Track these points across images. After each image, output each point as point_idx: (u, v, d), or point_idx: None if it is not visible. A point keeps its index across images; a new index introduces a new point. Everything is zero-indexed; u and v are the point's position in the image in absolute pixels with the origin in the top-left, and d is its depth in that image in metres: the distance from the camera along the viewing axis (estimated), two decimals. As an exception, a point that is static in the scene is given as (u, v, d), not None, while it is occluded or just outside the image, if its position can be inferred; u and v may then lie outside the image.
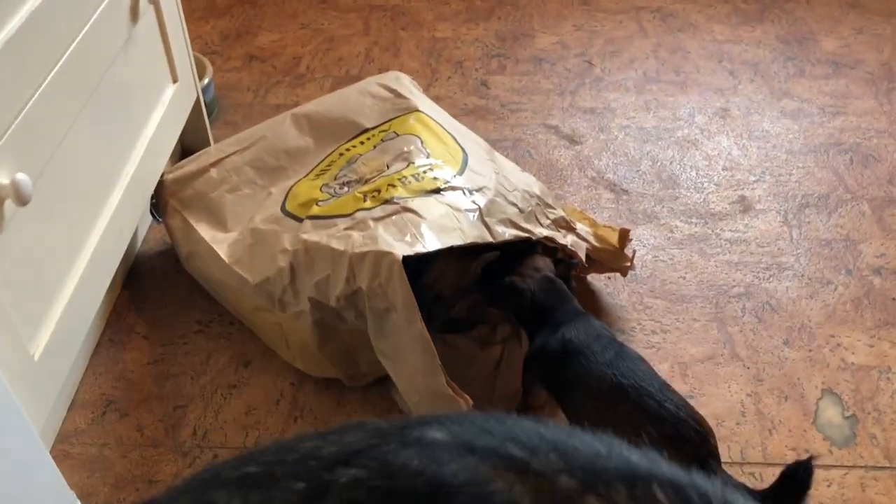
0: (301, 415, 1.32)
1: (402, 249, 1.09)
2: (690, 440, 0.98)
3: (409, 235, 1.12)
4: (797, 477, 0.89)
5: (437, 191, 1.23)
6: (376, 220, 1.17)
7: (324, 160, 1.43)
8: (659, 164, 1.78)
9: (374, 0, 2.32)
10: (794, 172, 1.75)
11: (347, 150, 1.42)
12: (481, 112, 1.93)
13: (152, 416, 1.33)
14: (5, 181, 1.01)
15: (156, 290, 1.54)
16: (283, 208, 1.33)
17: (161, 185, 1.50)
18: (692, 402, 1.28)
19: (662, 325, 1.44)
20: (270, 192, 1.42)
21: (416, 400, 1.14)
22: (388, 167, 1.30)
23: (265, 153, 1.47)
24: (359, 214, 1.20)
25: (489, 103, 1.96)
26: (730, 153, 1.81)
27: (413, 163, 1.29)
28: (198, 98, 1.74)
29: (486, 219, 1.21)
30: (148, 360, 1.41)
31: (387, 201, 1.20)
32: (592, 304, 1.47)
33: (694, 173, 1.75)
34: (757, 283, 1.51)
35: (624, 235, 1.39)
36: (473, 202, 1.23)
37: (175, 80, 1.61)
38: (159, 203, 1.51)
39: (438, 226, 1.15)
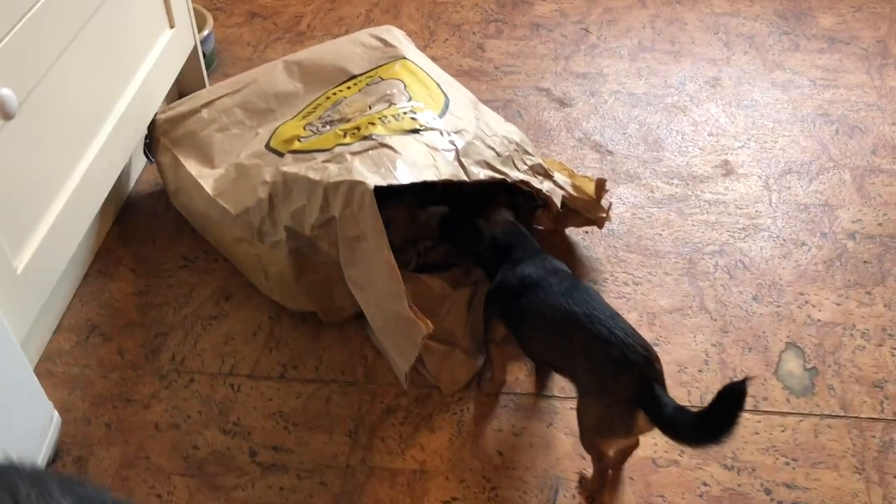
0: (276, 346, 1.37)
1: (374, 180, 1.13)
2: (636, 363, 1.02)
3: (383, 168, 1.17)
4: (732, 395, 0.92)
5: (416, 131, 1.27)
6: (353, 153, 1.21)
7: (311, 103, 1.47)
8: (646, 127, 1.81)
9: (378, -36, 2.36)
10: (780, 140, 1.78)
11: (334, 94, 1.46)
12: (475, 73, 1.96)
13: (133, 342, 1.38)
14: (-8, 95, 1.06)
15: (145, 228, 1.59)
16: (267, 145, 1.38)
17: (153, 124, 1.55)
18: (657, 349, 1.31)
19: (634, 277, 1.48)
20: (258, 132, 1.46)
21: (380, 324, 1.18)
22: (370, 108, 1.34)
23: (255, 96, 1.52)
24: (337, 149, 1.24)
25: (483, 65, 1.99)
26: (717, 120, 1.83)
27: (394, 104, 1.33)
28: (195, 47, 1.79)
29: (463, 159, 1.25)
30: (133, 290, 1.47)
31: (365, 137, 1.24)
32: (568, 256, 1.51)
33: (679, 138, 1.79)
34: (732, 243, 1.54)
35: (600, 185, 1.42)
36: (451, 143, 1.27)
37: (172, 26, 1.66)
38: (152, 142, 1.56)
39: (413, 161, 1.19)
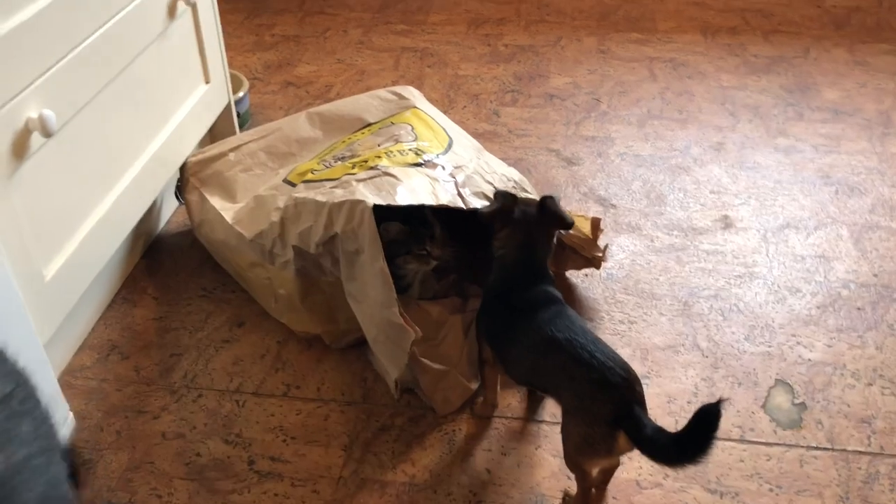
0: (282, 368, 1.44)
1: (374, 199, 1.23)
2: (617, 385, 1.06)
3: (384, 192, 1.27)
4: (707, 416, 0.96)
5: (419, 164, 1.37)
6: (359, 181, 1.32)
7: (328, 147, 1.59)
8: (649, 185, 1.89)
9: (407, 42, 2.54)
10: (780, 198, 1.85)
11: (349, 138, 1.58)
12: (489, 136, 2.08)
13: (150, 361, 1.47)
14: (34, 115, 1.20)
15: (171, 261, 1.70)
16: (284, 179, 1.49)
17: (185, 166, 1.68)
18: (647, 384, 1.37)
19: (630, 316, 1.53)
20: (278, 172, 1.58)
21: (374, 334, 1.25)
22: (378, 146, 1.45)
23: (279, 141, 1.64)
24: (345, 177, 1.35)
25: (498, 129, 2.11)
26: (719, 180, 1.91)
27: (401, 142, 1.44)
28: (229, 104, 1.94)
29: (461, 190, 1.34)
30: (154, 316, 1.56)
31: (371, 168, 1.35)
32: (567, 296, 1.57)
33: (682, 194, 1.86)
34: (727, 288, 1.60)
35: (595, 224, 1.50)
36: (451, 175, 1.37)
37: (207, 81, 1.81)
38: (183, 183, 1.69)
39: (413, 188, 1.29)
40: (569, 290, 1.59)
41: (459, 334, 1.39)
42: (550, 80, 2.34)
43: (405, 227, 1.33)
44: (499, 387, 1.34)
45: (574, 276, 1.62)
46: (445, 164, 1.40)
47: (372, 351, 1.33)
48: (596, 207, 1.82)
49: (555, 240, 1.32)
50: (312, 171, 1.44)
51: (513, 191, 1.44)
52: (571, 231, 1.49)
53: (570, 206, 1.83)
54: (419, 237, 1.35)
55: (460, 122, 2.12)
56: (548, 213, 1.27)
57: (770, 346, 1.46)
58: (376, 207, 1.23)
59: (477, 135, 2.07)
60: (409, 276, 1.40)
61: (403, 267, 1.32)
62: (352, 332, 1.40)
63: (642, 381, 1.07)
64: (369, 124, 1.60)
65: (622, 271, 1.64)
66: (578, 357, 1.08)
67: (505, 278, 1.28)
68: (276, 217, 1.37)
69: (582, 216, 1.54)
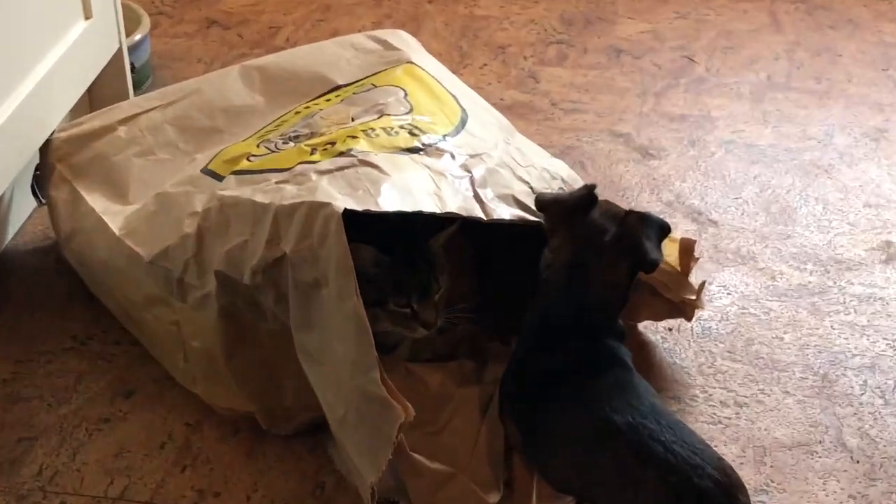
0: (193, 464, 1.43)
1: (345, 202, 1.22)
2: (707, 495, 1.06)
3: (360, 190, 1.26)
4: None
5: (415, 150, 1.37)
6: (321, 172, 1.31)
7: (273, 121, 1.59)
8: (769, 192, 1.90)
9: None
10: (973, 218, 1.85)
11: (307, 107, 1.58)
12: (522, 109, 2.09)
13: (-15, 447, 1.45)
14: None
15: (23, 293, 1.69)
16: (204, 168, 1.48)
17: (48, 146, 1.67)
18: (766, 499, 1.35)
19: (738, 396, 1.52)
20: (195, 157, 1.56)
21: (340, 413, 1.24)
22: (352, 120, 1.45)
23: (196, 110, 1.63)
24: (300, 167, 1.34)
25: (535, 100, 2.12)
26: (878, 186, 1.92)
27: (388, 115, 1.44)
28: (119, 51, 1.94)
29: (480, 190, 1.34)
30: (-7, 377, 1.55)
31: (342, 154, 1.34)
32: (638, 360, 1.56)
33: (820, 207, 1.87)
34: (891, 356, 1.59)
35: (687, 249, 1.48)
36: (465, 168, 1.37)
37: (87, 17, 1.81)
38: (45, 173, 1.68)
39: (406, 186, 1.29)
40: (642, 350, 1.58)
41: (473, 417, 1.38)
42: (617, 28, 2.34)
43: (384, 256, 1.32)
44: (535, 495, 1.32)
45: (651, 329, 1.61)
46: (456, 150, 1.40)
47: (335, 441, 1.31)
48: (686, 224, 1.82)
49: (633, 280, 1.34)
50: (249, 156, 1.43)
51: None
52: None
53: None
54: (402, 279, 1.34)
55: (479, 89, 2.11)
56: (627, 237, 1.27)
57: (957, 447, 1.45)
58: (349, 217, 1.22)
59: (504, 108, 2.06)
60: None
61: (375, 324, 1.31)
62: (303, 411, 1.38)
63: (756, 498, 1.06)
64: (338, 87, 1.60)
65: (726, 325, 1.63)
66: (648, 451, 1.10)
67: (546, 321, 1.29)
68: (190, 227, 1.37)
69: (667, 239, 1.54)
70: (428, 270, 1.36)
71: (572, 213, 1.30)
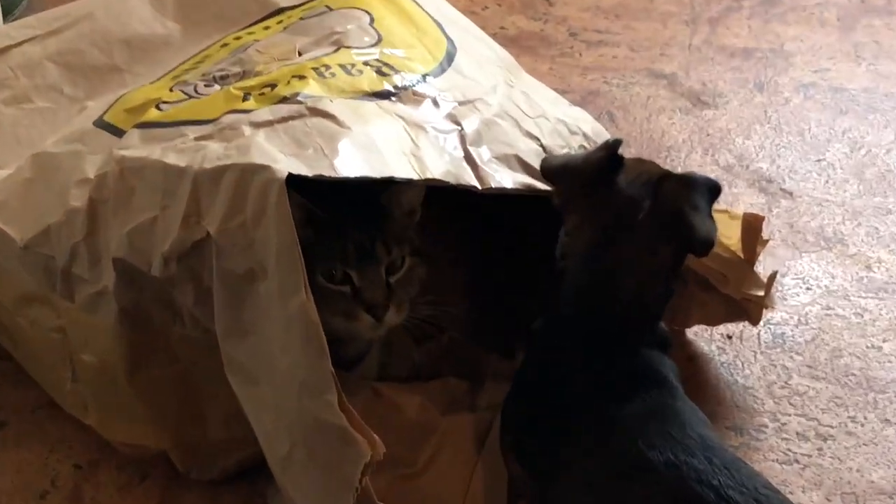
0: (84, 519, 1.42)
1: (289, 164, 1.20)
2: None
3: (310, 149, 1.23)
4: None
5: (385, 94, 1.35)
6: (257, 125, 1.27)
7: (192, 57, 1.56)
8: (863, 151, 1.87)
9: None
10: None
11: (237, 38, 1.55)
12: (531, 41, 2.06)
13: None
14: None
15: None
16: (98, 119, 1.45)
17: None
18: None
19: (821, 425, 1.50)
20: (86, 105, 1.54)
21: (284, 450, 1.20)
22: (299, 54, 1.43)
23: (87, 43, 1.60)
24: (228, 118, 1.31)
25: (549, 29, 2.10)
26: None
27: (347, 47, 1.42)
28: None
29: (472, 149, 1.32)
30: None
31: (285, 99, 1.31)
32: (692, 378, 1.54)
33: (932, 172, 1.84)
34: None
35: (754, 227, 1.46)
36: (452, 119, 1.35)
37: None
38: None
39: (371, 144, 1.26)
40: (692, 364, 1.57)
41: (464, 454, 1.37)
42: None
43: (319, 211, 1.27)
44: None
45: (705, 336, 1.60)
46: (440, 95, 1.37)
47: (278, 487, 1.30)
48: (752, 196, 1.79)
49: (680, 267, 1.30)
50: (159, 103, 1.39)
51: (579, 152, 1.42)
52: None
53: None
54: (335, 242, 1.31)
55: (472, 14, 2.09)
56: (666, 209, 1.25)
57: None
58: (294, 183, 1.21)
59: (507, 40, 2.04)
60: (359, 340, 1.39)
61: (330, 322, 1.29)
62: (234, 448, 1.38)
63: (776, 489, 1.09)
64: (280, 10, 1.58)
65: (805, 331, 1.61)
66: (694, 499, 1.09)
67: (562, 327, 1.29)
68: (78, 200, 1.34)
69: (725, 212, 1.52)
70: (373, 232, 1.33)
71: (591, 181, 1.26)
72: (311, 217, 1.27)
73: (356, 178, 1.24)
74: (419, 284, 1.38)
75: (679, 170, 1.81)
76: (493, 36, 1.99)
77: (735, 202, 1.77)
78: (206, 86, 1.43)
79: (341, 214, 1.31)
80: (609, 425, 1.18)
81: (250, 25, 1.59)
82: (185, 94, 1.43)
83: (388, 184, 1.30)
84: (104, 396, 1.40)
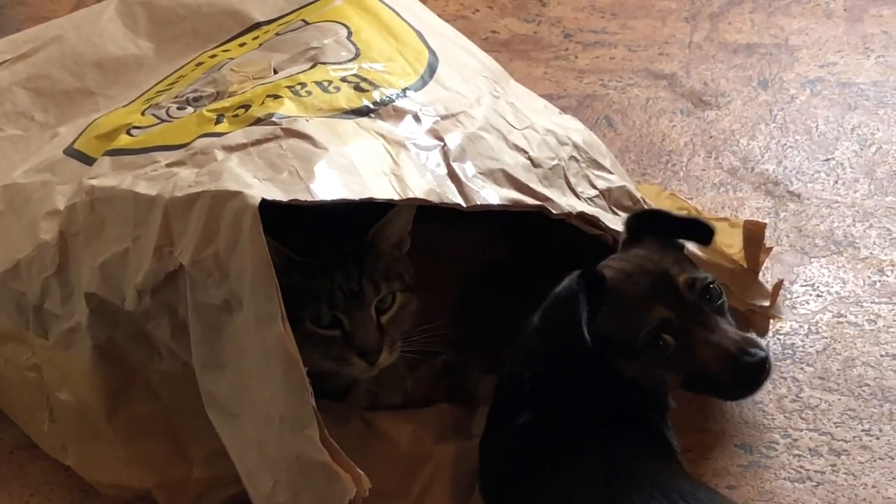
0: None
1: (264, 190, 1.20)
2: None
3: (285, 172, 1.23)
4: None
5: (364, 111, 1.35)
6: (230, 148, 1.28)
7: (167, 77, 1.57)
8: (874, 149, 1.86)
9: None
10: None
11: (213, 56, 1.55)
12: (523, 45, 2.05)
13: None
14: None
15: None
16: (69, 147, 1.46)
17: None
18: None
19: (834, 440, 1.49)
20: (57, 132, 1.54)
21: (267, 487, 1.21)
22: (274, 72, 1.43)
23: (58, 66, 1.60)
24: (200, 142, 1.32)
25: (542, 30, 2.09)
26: None
27: (324, 63, 1.42)
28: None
29: (456, 165, 1.32)
30: None
31: (259, 121, 1.32)
32: (698, 398, 1.53)
33: (948, 169, 1.83)
34: None
35: (755, 235, 1.46)
36: (434, 134, 1.35)
37: None
38: None
39: (350, 165, 1.26)
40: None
41: (460, 482, 1.38)
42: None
43: (298, 256, 1.28)
44: None
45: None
46: (422, 109, 1.38)
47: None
48: (758, 199, 1.78)
49: None
50: (130, 128, 1.40)
51: (570, 165, 1.42)
52: (701, 253, 1.46)
53: (701, 192, 1.80)
54: (322, 285, 1.31)
55: (461, 19, 2.09)
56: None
57: None
58: (269, 210, 1.20)
59: (498, 45, 2.04)
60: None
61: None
62: (219, 486, 1.38)
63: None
64: (256, 25, 1.59)
65: (816, 340, 1.60)
66: None
67: (541, 356, 1.29)
68: (48, 233, 1.35)
69: (725, 220, 1.52)
70: (360, 271, 1.34)
71: None
72: (292, 261, 1.29)
73: (334, 201, 1.23)
74: (412, 319, 1.38)
75: (681, 175, 1.81)
76: (485, 40, 2.00)
77: (740, 207, 1.76)
78: (178, 108, 1.43)
79: (325, 255, 1.33)
80: (594, 484, 1.19)
81: (226, 42, 1.59)
82: (157, 117, 1.43)
83: (374, 219, 1.32)
84: (83, 436, 1.41)
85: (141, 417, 1.37)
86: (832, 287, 1.67)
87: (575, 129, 1.48)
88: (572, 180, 1.39)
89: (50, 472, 1.48)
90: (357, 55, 1.46)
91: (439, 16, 1.96)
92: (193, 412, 1.32)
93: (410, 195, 1.27)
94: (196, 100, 1.44)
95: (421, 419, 1.41)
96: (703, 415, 1.46)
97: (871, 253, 1.71)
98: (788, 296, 1.63)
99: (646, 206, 1.46)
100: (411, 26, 1.55)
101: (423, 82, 1.43)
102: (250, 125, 1.33)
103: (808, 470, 1.46)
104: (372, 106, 1.38)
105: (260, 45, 1.53)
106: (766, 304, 1.48)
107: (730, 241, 1.48)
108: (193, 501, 1.41)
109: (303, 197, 1.21)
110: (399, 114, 1.38)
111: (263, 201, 1.19)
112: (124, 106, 1.53)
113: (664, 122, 1.90)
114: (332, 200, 1.24)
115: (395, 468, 1.36)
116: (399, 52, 1.48)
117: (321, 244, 1.32)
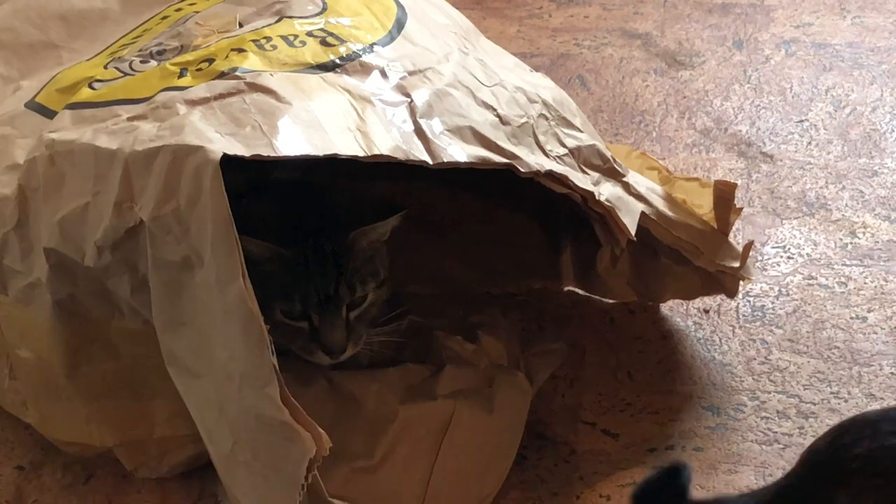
0: (28, 523, 1.42)
1: (225, 144, 1.19)
2: None
3: (248, 127, 1.22)
4: None
5: (330, 66, 1.35)
6: (193, 102, 1.27)
7: (132, 31, 1.56)
8: (848, 110, 1.87)
9: None
10: None
11: (178, 9, 1.55)
12: (497, 2, 2.06)
13: None
14: None
15: None
16: (30, 101, 1.45)
17: None
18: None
19: (803, 403, 1.50)
20: (20, 86, 1.54)
21: (227, 446, 1.21)
22: (239, 26, 1.42)
23: (21, 18, 1.61)
24: (163, 95, 1.31)
25: (513, -13, 2.10)
26: None
27: (290, 17, 1.42)
28: None
29: (423, 121, 1.31)
30: None
31: (223, 74, 1.31)
32: (666, 355, 1.54)
33: (923, 134, 1.84)
34: None
35: (725, 195, 1.45)
36: (401, 90, 1.35)
37: None
38: None
39: (314, 120, 1.25)
40: (667, 342, 1.58)
41: (424, 444, 1.38)
42: None
43: (280, 249, 1.30)
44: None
45: (680, 311, 1.61)
46: (389, 65, 1.38)
47: (223, 483, 1.30)
48: (730, 161, 1.80)
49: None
50: (92, 82, 1.40)
51: (540, 122, 1.42)
52: (671, 213, 1.45)
53: (674, 153, 1.81)
54: (297, 280, 1.32)
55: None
56: None
57: None
58: (230, 167, 1.20)
59: (469, 3, 2.03)
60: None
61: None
62: (182, 444, 1.39)
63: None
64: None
65: (786, 302, 1.61)
66: None
67: None
68: (7, 187, 1.35)
69: (696, 179, 1.52)
70: (336, 274, 1.35)
71: None
72: (273, 254, 1.33)
73: (298, 156, 1.23)
74: (379, 309, 1.43)
75: (654, 135, 1.81)
76: (449, -7, 1.98)
77: (713, 168, 1.77)
78: (142, 62, 1.43)
79: (306, 250, 1.35)
80: None
81: (185, -2, 1.57)
82: (120, 71, 1.43)
83: (358, 222, 1.37)
84: (43, 394, 1.42)
85: (102, 375, 1.38)
86: (803, 249, 1.68)
87: (545, 86, 1.47)
88: (541, 138, 1.39)
89: (11, 430, 1.49)
90: (324, 9, 1.46)
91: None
92: (155, 370, 1.32)
93: (376, 151, 1.26)
94: (160, 53, 1.44)
95: (386, 379, 1.41)
96: (671, 376, 1.47)
97: (843, 215, 1.72)
98: (759, 257, 1.65)
99: (616, 167, 1.44)
100: (378, -21, 1.54)
101: (391, 38, 1.43)
102: (214, 79, 1.33)
103: (776, 432, 1.47)
104: (338, 61, 1.37)
105: (225, -2, 1.52)
106: (736, 265, 1.48)
107: (700, 202, 1.49)
108: (155, 460, 1.42)
109: (265, 152, 1.21)
110: (366, 69, 1.37)
111: (227, 159, 1.18)
112: (88, 59, 1.53)
113: (637, 82, 1.91)
114: (297, 156, 1.23)
115: (359, 428, 1.36)
116: (367, 7, 1.48)
117: (300, 236, 1.34)
